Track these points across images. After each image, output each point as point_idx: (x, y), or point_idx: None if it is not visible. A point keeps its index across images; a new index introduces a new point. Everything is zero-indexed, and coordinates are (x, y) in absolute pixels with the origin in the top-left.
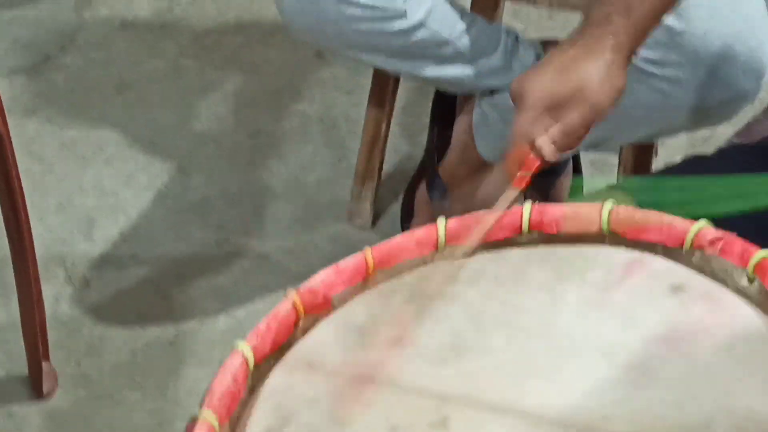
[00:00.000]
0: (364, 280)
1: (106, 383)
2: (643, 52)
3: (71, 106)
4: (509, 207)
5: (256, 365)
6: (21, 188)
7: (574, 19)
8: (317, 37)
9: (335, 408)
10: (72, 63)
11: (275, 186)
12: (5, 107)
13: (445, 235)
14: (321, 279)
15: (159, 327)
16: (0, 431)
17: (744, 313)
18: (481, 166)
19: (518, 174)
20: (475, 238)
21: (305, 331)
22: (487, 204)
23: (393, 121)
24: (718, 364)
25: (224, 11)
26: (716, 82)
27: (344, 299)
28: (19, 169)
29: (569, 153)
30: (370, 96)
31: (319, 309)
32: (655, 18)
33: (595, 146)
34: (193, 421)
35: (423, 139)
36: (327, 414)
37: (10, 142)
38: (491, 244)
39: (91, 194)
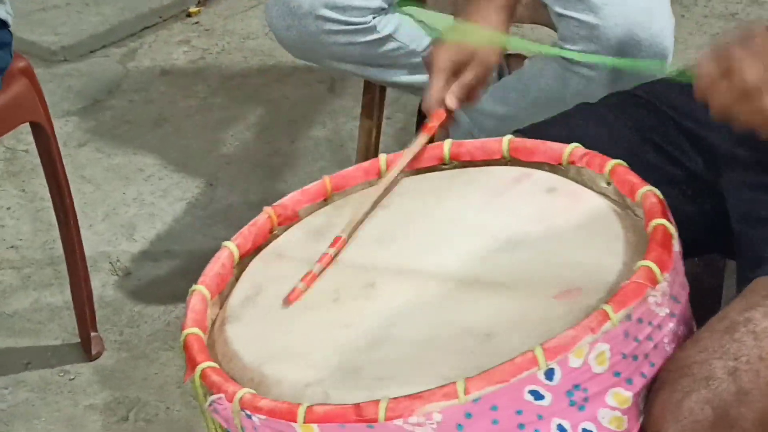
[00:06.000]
0: (325, 199)
1: (143, 347)
2: (569, 46)
3: (116, 139)
4: (420, 148)
5: (241, 259)
6: (71, 201)
7: (546, 32)
8: (301, 49)
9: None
10: (117, 104)
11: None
12: (61, 143)
13: (386, 165)
14: (290, 197)
15: None
16: (57, 384)
17: (596, 203)
18: None
19: (429, 124)
20: (396, 169)
21: None
22: None
23: (383, 131)
24: (569, 233)
25: (249, 58)
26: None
27: (309, 212)
28: (72, 189)
29: (471, 105)
30: (361, 109)
31: (289, 220)
32: None
33: None
34: (190, 294)
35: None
36: (289, 285)
37: (62, 167)
38: (422, 170)
39: (133, 206)
